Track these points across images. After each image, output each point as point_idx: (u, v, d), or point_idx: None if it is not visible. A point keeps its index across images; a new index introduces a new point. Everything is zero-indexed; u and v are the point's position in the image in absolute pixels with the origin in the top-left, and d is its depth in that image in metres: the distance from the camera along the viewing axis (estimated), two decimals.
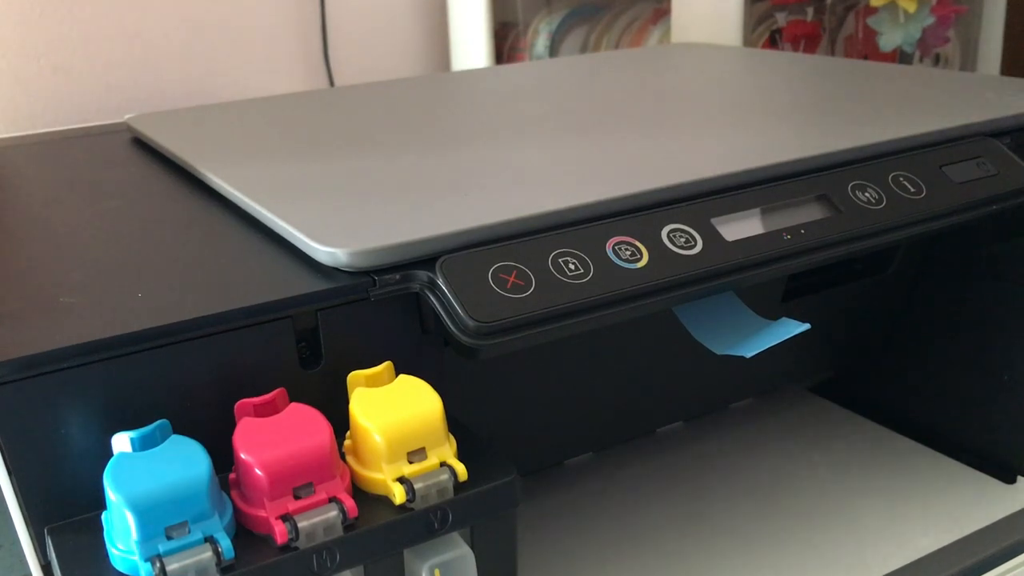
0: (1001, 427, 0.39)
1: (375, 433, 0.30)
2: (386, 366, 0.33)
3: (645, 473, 0.50)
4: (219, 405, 0.31)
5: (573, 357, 0.47)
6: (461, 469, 0.31)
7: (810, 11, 1.13)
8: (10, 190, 0.50)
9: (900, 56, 1.14)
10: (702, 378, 0.52)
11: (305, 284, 0.33)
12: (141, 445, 0.28)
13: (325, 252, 0.34)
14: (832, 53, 1.16)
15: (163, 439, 0.29)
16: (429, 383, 0.32)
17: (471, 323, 0.32)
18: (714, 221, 0.38)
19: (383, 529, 0.30)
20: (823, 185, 0.41)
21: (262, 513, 0.29)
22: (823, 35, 1.15)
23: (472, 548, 0.32)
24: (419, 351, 0.35)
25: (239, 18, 1.27)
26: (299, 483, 0.29)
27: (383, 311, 0.34)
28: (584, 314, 0.34)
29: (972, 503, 0.39)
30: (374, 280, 0.33)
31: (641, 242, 0.36)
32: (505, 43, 1.33)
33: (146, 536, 0.27)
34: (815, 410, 0.56)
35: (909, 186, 0.42)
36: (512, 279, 0.34)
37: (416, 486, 0.30)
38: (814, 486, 0.49)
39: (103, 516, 0.29)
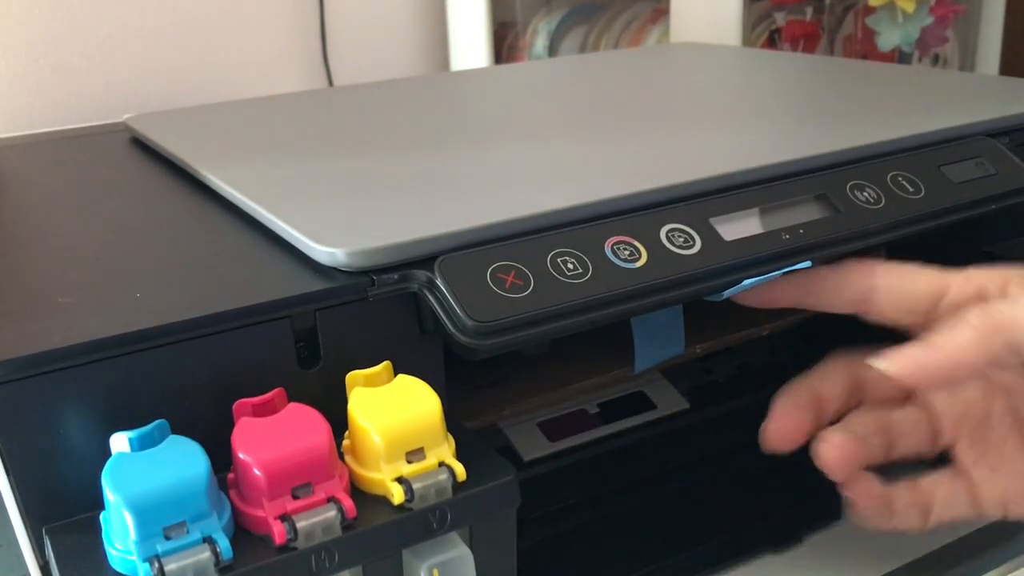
0: None
1: (374, 433, 0.30)
2: (385, 366, 0.33)
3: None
4: (217, 405, 0.31)
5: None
6: (460, 469, 0.31)
7: (809, 11, 1.13)
8: (8, 190, 0.50)
9: (899, 56, 1.14)
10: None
11: (303, 284, 0.33)
12: (139, 445, 0.28)
13: (324, 252, 0.34)
14: (831, 53, 1.16)
15: (161, 439, 0.29)
16: (428, 383, 0.32)
17: (470, 323, 0.32)
18: (713, 221, 0.38)
19: (381, 529, 0.30)
20: (822, 185, 0.41)
21: (260, 513, 0.29)
22: (822, 35, 1.15)
23: (471, 548, 0.32)
24: (418, 351, 0.35)
25: (238, 18, 1.27)
26: (297, 483, 0.29)
27: (382, 311, 0.34)
28: (583, 314, 0.34)
29: None
30: (372, 280, 0.33)
31: (640, 242, 0.36)
32: (504, 43, 1.33)
33: (144, 536, 0.27)
34: None
35: (908, 186, 0.42)
36: (511, 279, 0.34)
37: (415, 486, 0.30)
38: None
39: (101, 516, 0.29)
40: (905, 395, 0.39)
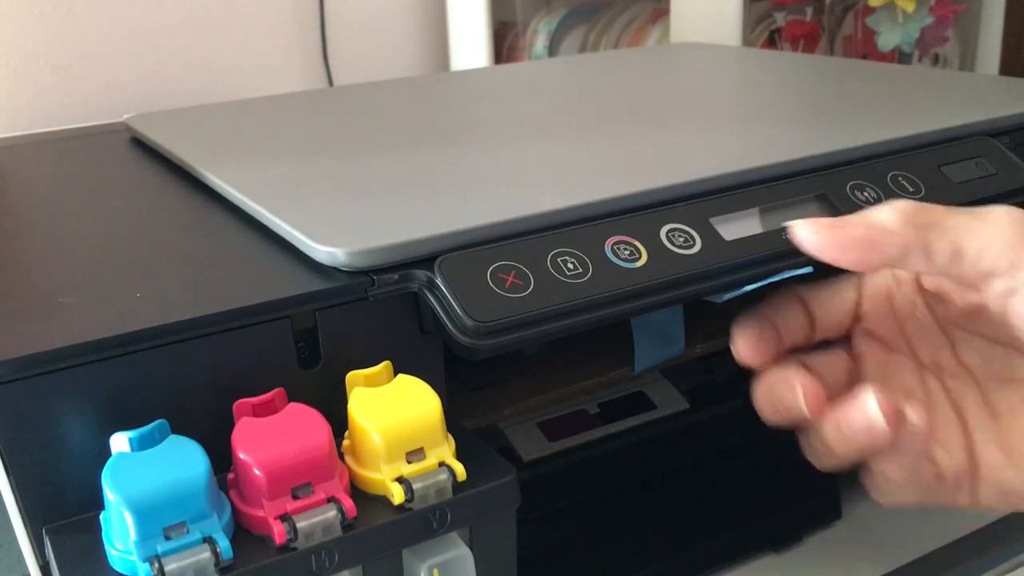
0: None
1: (374, 433, 0.30)
2: (385, 366, 0.33)
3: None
4: (218, 405, 0.31)
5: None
6: (460, 469, 0.31)
7: (809, 11, 1.13)
8: (9, 190, 0.50)
9: (899, 56, 1.14)
10: None
11: (304, 284, 0.33)
12: (139, 445, 0.28)
13: (324, 252, 0.34)
14: (831, 53, 1.16)
15: (161, 439, 0.29)
16: (428, 383, 0.32)
17: (469, 323, 0.32)
18: (713, 221, 0.38)
19: (382, 529, 0.30)
20: (822, 185, 0.41)
21: (260, 513, 0.29)
22: (822, 35, 1.15)
23: (471, 548, 0.32)
24: (418, 351, 0.35)
25: (238, 18, 1.27)
26: (298, 483, 0.29)
27: (382, 311, 0.34)
28: (583, 313, 0.34)
29: None
30: (373, 280, 0.33)
31: (640, 241, 0.36)
32: (504, 43, 1.33)
33: (144, 536, 0.27)
34: None
35: (908, 186, 0.42)
36: (511, 279, 0.34)
37: (415, 486, 0.30)
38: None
39: (101, 516, 0.29)
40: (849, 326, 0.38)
